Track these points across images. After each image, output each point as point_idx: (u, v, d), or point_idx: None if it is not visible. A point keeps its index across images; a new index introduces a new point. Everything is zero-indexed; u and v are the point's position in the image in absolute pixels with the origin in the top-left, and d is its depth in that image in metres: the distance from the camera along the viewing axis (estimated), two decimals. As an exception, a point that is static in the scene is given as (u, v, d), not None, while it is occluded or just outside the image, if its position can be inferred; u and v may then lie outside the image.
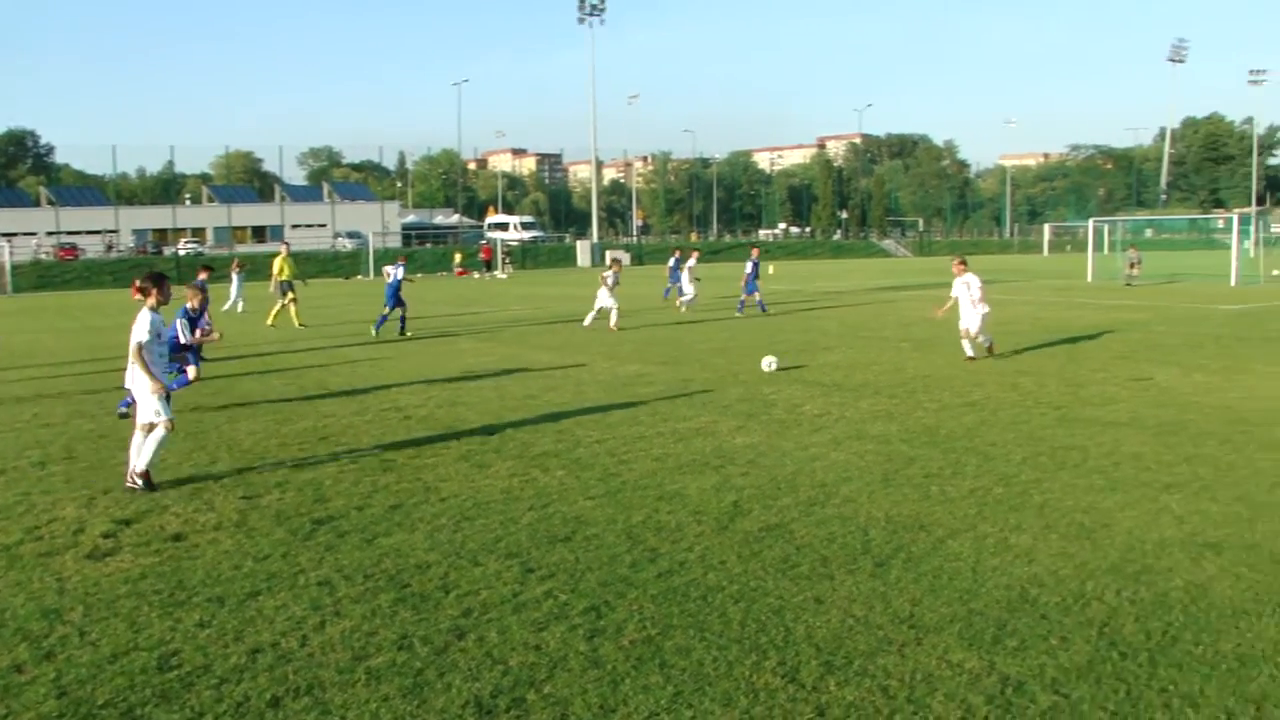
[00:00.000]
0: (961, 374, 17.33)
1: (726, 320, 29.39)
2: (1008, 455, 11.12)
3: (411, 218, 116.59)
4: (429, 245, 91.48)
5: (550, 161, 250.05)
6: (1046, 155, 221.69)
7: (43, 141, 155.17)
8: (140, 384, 10.11)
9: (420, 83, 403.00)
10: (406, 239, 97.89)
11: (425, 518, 9.02)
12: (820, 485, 9.93)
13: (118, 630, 6.53)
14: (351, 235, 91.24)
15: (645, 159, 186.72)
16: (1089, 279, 48.69)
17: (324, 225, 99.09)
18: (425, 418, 13.96)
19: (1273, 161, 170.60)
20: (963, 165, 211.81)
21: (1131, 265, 46.52)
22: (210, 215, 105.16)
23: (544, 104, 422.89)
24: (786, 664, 5.89)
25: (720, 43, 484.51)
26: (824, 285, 40.44)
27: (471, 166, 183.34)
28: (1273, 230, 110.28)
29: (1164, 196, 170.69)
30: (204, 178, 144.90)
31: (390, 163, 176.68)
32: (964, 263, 20.01)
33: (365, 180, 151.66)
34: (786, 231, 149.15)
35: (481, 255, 73.86)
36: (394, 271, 27.01)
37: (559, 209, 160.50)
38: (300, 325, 29.37)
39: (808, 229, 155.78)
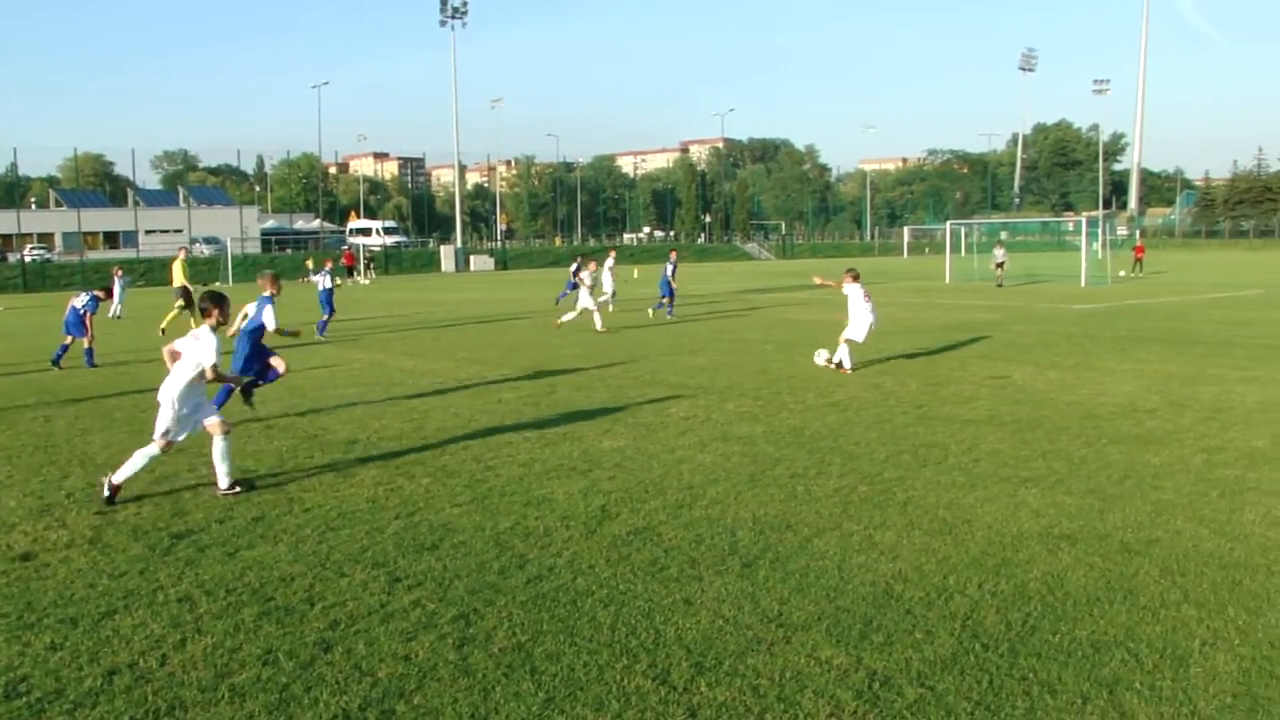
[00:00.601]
0: (825, 375, 17.59)
1: (586, 325, 29.39)
2: (871, 454, 11.32)
3: (271, 223, 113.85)
4: (289, 251, 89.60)
5: (413, 165, 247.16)
6: (905, 160, 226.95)
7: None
8: (183, 396, 10.02)
9: (279, 85, 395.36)
10: (266, 245, 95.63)
11: (289, 529, 8.83)
12: (688, 487, 9.98)
13: (-37, 655, 6.25)
14: (209, 241, 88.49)
15: (509, 163, 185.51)
16: (947, 280, 49.92)
17: (180, 231, 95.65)
18: (287, 427, 13.67)
19: (1118, 167, 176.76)
20: (824, 169, 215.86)
21: (999, 265, 47.78)
22: (58, 220, 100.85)
23: (406, 107, 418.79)
24: (657, 666, 5.90)
25: (583, 47, 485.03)
26: (689, 289, 40.67)
27: (333, 170, 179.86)
28: (1119, 233, 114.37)
29: (1017, 200, 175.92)
30: (51, 181, 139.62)
31: (248, 166, 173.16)
32: (856, 275, 19.04)
33: (223, 185, 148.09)
34: (651, 235, 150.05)
35: (344, 261, 72.81)
36: (321, 280, 27.42)
37: (422, 214, 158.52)
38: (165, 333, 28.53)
39: (672, 233, 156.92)
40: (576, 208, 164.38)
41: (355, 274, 70.83)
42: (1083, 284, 45.61)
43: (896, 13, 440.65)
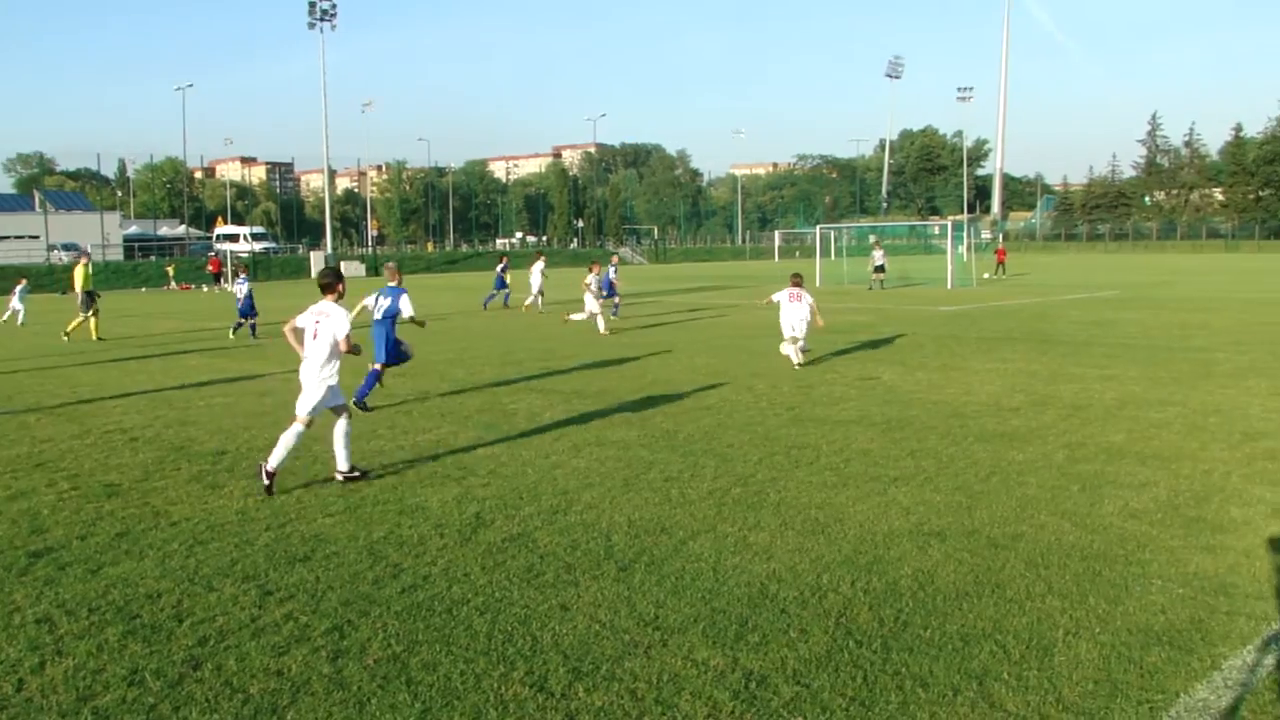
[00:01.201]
0: (698, 377, 17.73)
1: (462, 329, 29.22)
2: (744, 456, 11.43)
3: (134, 229, 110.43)
4: (153, 258, 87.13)
5: (281, 170, 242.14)
6: (775, 165, 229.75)
7: None
8: (323, 373, 10.58)
9: (141, 87, 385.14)
10: (129, 251, 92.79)
11: (155, 544, 8.59)
12: (562, 493, 9.97)
13: None
14: (68, 248, 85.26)
15: (380, 168, 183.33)
16: (818, 284, 50.57)
17: (36, 237, 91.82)
18: (153, 439, 13.32)
19: (981, 172, 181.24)
20: (695, 174, 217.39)
21: (879, 269, 48.22)
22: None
23: (274, 111, 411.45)
24: (535, 673, 5.88)
25: (455, 50, 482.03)
26: (560, 293, 40.62)
27: (198, 175, 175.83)
28: (983, 236, 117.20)
29: (885, 204, 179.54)
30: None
31: (110, 171, 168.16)
32: (799, 280, 19.99)
33: (82, 189, 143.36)
34: (524, 240, 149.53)
35: (209, 268, 71.18)
36: (241, 288, 28.87)
37: (291, 219, 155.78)
38: (98, 339, 28.86)
39: (544, 238, 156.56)
40: (448, 213, 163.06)
41: (222, 281, 69.30)
42: (949, 286, 46.65)
43: (765, 19, 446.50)
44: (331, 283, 11.04)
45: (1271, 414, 13.54)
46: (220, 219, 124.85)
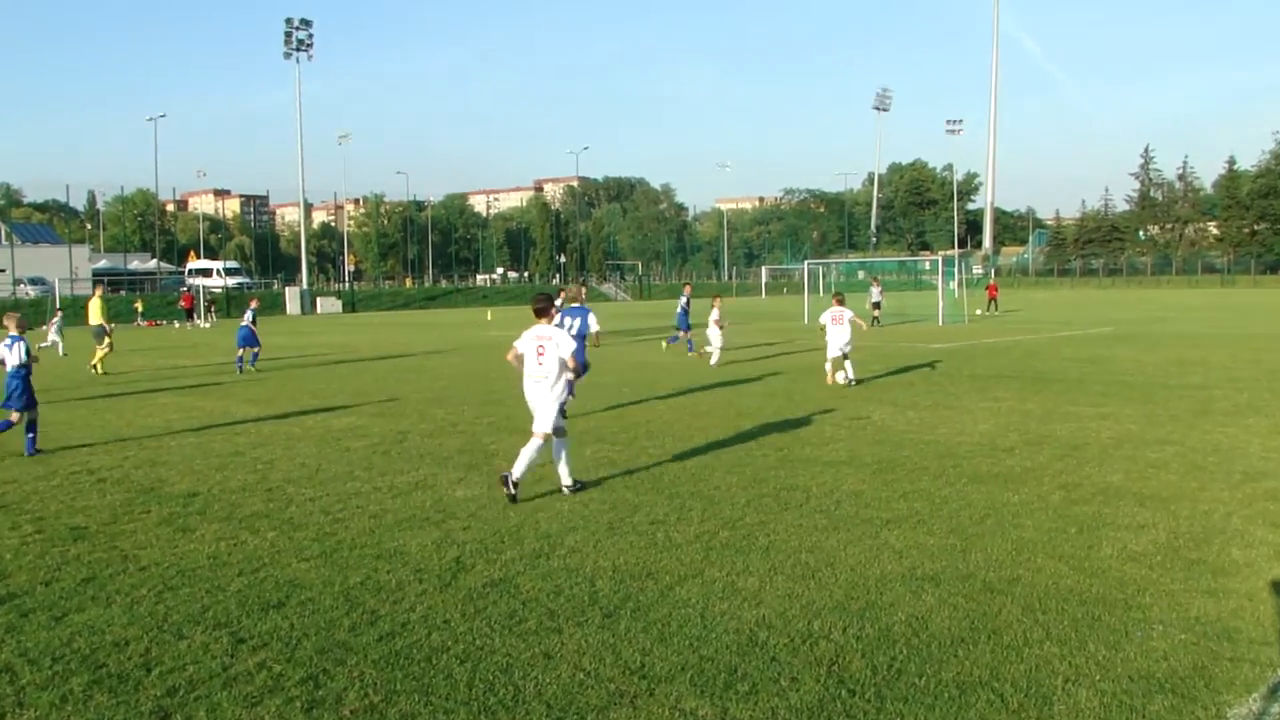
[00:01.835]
0: (684, 418, 17.55)
1: (443, 368, 29.02)
2: (732, 498, 11.23)
3: (104, 263, 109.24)
4: (123, 293, 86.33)
5: (256, 203, 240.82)
6: (761, 199, 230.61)
7: None
8: (554, 393, 11.67)
9: (111, 118, 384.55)
10: (98, 286, 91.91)
11: (123, 589, 8.32)
12: (545, 536, 9.75)
13: None
14: (35, 281, 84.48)
15: (357, 201, 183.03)
16: (805, 321, 50.48)
17: (2, 270, 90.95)
18: (121, 480, 13.04)
19: (972, 206, 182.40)
20: (680, 209, 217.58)
21: (876, 305, 48.20)
22: None
23: (249, 143, 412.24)
24: (518, 728, 5.65)
25: (435, 83, 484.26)
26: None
27: (170, 208, 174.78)
28: (975, 271, 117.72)
29: (874, 239, 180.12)
30: None
31: (79, 203, 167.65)
32: (841, 299, 22.64)
33: (50, 222, 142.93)
34: (505, 276, 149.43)
35: (182, 303, 70.78)
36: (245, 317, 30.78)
37: (266, 254, 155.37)
38: (103, 373, 29.03)
39: (526, 273, 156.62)
40: (427, 248, 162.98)
41: (195, 317, 68.91)
42: (940, 323, 46.67)
43: (750, 52, 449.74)
44: (545, 307, 11.98)
45: (1272, 453, 13.42)
46: (192, 253, 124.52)
